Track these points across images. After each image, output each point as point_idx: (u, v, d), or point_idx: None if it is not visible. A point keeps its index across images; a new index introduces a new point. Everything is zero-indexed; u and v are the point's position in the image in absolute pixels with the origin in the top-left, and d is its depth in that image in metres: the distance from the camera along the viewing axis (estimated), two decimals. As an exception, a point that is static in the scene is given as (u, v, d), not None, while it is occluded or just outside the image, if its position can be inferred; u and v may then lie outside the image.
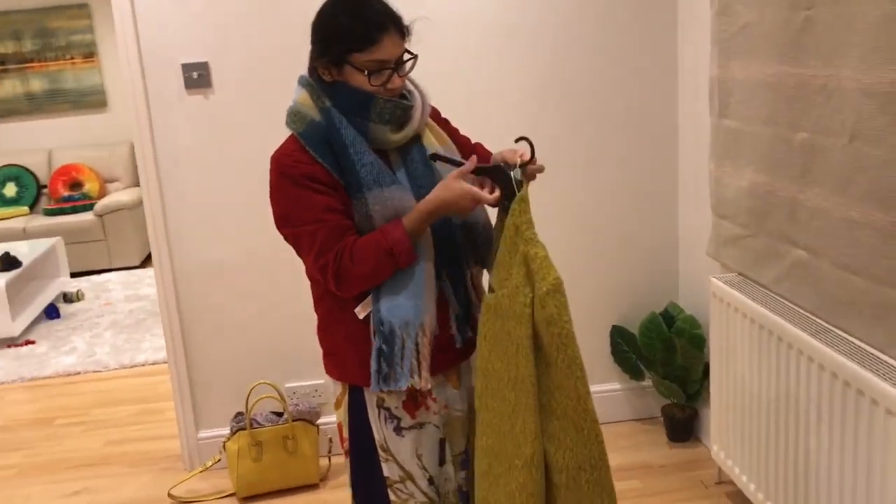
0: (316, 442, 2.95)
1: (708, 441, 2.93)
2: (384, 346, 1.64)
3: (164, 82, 2.85)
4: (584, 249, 3.11)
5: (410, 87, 1.75)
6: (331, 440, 3.05)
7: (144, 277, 5.93)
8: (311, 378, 3.09)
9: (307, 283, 1.91)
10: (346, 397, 1.78)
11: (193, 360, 3.07)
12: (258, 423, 2.92)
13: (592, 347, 3.18)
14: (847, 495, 1.91)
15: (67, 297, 5.52)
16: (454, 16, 2.86)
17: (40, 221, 6.23)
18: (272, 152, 1.72)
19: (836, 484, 1.95)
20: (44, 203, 6.59)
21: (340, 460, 2.90)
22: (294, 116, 1.70)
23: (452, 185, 1.62)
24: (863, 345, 1.94)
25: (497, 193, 1.66)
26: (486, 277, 1.81)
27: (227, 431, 3.03)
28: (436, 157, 1.74)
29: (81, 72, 6.72)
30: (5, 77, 6.69)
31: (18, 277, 4.95)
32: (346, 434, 1.81)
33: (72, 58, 6.69)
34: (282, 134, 1.79)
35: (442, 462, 1.79)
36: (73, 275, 6.05)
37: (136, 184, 6.44)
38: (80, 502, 2.98)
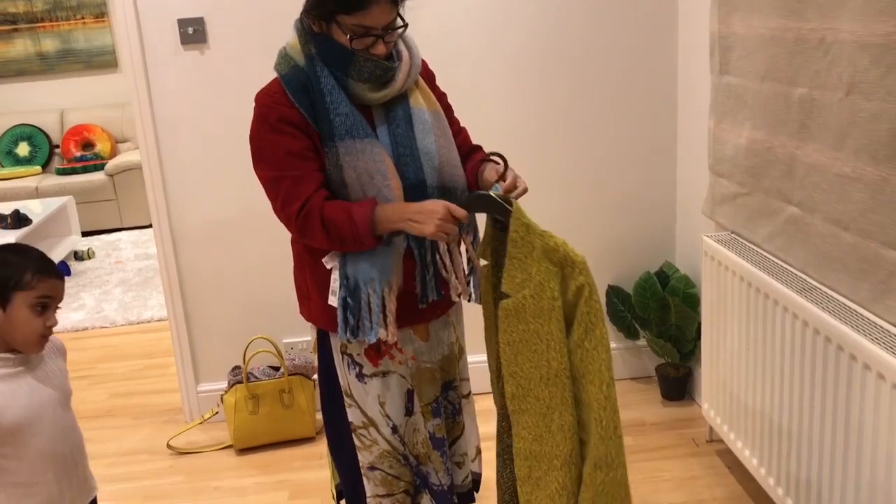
0: (312, 395, 2.99)
1: (700, 400, 2.95)
2: (349, 300, 1.68)
3: (160, 39, 2.85)
4: (580, 209, 3.11)
5: (401, 45, 1.75)
6: (328, 395, 3.09)
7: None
8: (307, 334, 3.12)
9: None
10: (317, 342, 1.81)
11: (192, 316, 3.11)
12: (255, 376, 2.97)
13: (588, 306, 3.19)
14: (827, 452, 1.92)
15: (78, 256, 5.59)
16: (451, -29, 2.84)
17: (53, 181, 6.29)
18: None
19: (818, 442, 1.96)
20: (56, 163, 6.65)
21: (336, 414, 2.95)
22: (281, 59, 1.73)
23: (435, 206, 1.61)
24: (848, 302, 1.93)
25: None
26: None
27: (225, 385, 3.08)
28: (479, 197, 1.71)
29: (92, 32, 6.73)
30: (17, 37, 6.71)
31: (29, 235, 5.01)
32: None
33: (83, 17, 6.70)
34: None
35: (409, 413, 1.82)
36: (85, 234, 6.11)
37: (147, 144, 6.46)
38: (82, 452, 3.05)
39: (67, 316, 4.51)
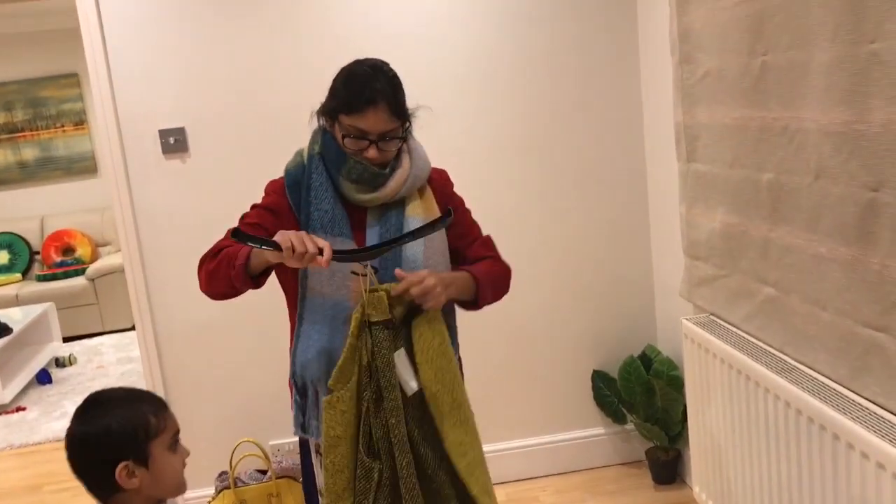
0: (301, 498, 2.94)
1: (691, 482, 2.93)
2: (298, 398, 1.77)
3: (142, 148, 2.91)
4: (561, 297, 3.15)
5: (403, 155, 1.80)
6: (317, 496, 3.05)
7: (136, 340, 5.94)
8: (294, 435, 3.09)
9: (288, 341, 1.96)
10: (299, 443, 1.84)
11: (178, 419, 3.07)
12: (242, 481, 2.92)
13: (575, 393, 3.20)
14: (819, 532, 1.91)
15: (60, 362, 5.54)
16: (424, 75, 2.94)
17: (33, 288, 6.27)
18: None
19: (808, 521, 1.96)
20: (36, 269, 6.65)
21: (325, 516, 2.90)
22: (294, 155, 1.85)
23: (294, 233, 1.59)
24: (827, 380, 1.96)
25: (325, 255, 1.55)
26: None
27: (212, 492, 3.03)
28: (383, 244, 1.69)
29: (72, 139, 6.83)
30: (-3, 147, 6.81)
31: (9, 344, 4.98)
32: None
33: (62, 126, 6.81)
34: (257, 194, 1.91)
35: None
36: (67, 339, 6.07)
37: (128, 247, 6.49)
38: (66, 569, 2.97)
39: (49, 425, 4.44)
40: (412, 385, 1.64)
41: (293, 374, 1.75)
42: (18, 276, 6.54)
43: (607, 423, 3.23)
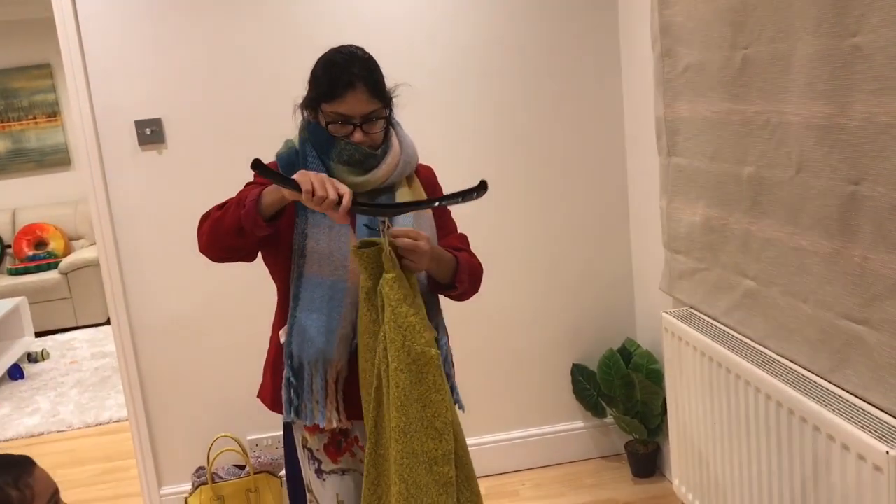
0: (279, 493, 2.92)
1: (671, 475, 2.94)
2: (293, 378, 1.71)
3: (117, 139, 2.87)
4: (540, 290, 3.15)
5: (394, 140, 1.80)
6: (295, 491, 3.03)
7: (110, 334, 5.87)
8: (273, 430, 3.07)
9: (266, 335, 1.94)
10: (283, 434, 1.81)
11: (154, 416, 3.05)
12: (220, 476, 2.90)
13: (554, 387, 3.20)
14: (799, 523, 1.93)
15: (32, 357, 5.46)
16: (402, 67, 2.92)
17: (5, 282, 6.17)
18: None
19: (788, 512, 1.97)
20: (8, 263, 6.54)
21: (304, 511, 2.88)
22: (284, 143, 1.83)
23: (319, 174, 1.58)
24: (806, 373, 1.97)
25: (342, 203, 1.53)
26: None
27: (189, 487, 3.00)
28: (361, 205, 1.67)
29: (45, 131, 6.73)
30: (-32, 139, 6.69)
31: (-20, 339, 4.90)
32: None
33: (34, 117, 6.70)
34: (235, 187, 1.88)
35: None
36: (39, 334, 5.99)
37: (102, 240, 6.41)
38: (39, 566, 2.92)
39: (21, 421, 4.37)
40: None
41: (289, 356, 1.71)
42: (-11, 269, 6.44)
43: (587, 417, 3.23)
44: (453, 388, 1.79)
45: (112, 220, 2.91)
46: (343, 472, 1.77)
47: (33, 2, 6.25)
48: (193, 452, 3.04)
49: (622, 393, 3.00)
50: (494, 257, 3.08)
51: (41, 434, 4.20)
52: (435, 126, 2.99)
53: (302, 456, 1.80)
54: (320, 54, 1.78)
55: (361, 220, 1.74)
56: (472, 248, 1.90)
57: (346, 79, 1.68)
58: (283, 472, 2.99)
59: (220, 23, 2.84)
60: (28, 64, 6.62)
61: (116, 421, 4.23)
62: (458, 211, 2.02)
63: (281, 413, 1.76)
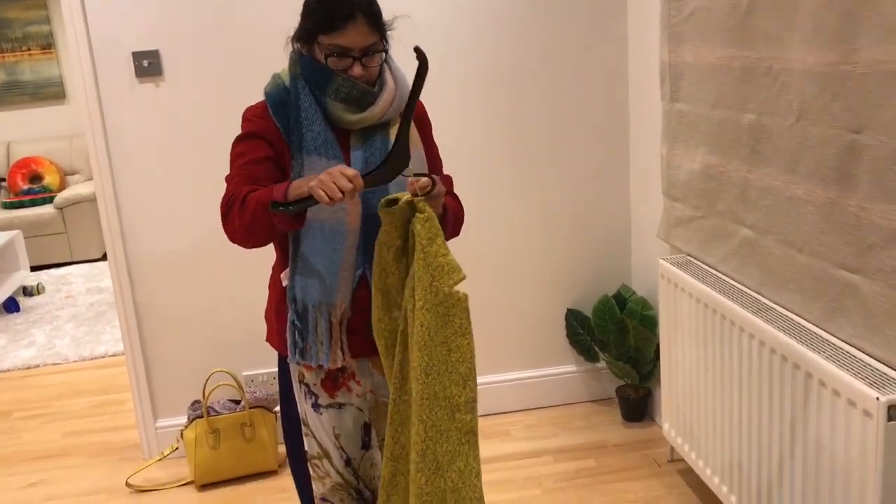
0: (274, 429, 2.96)
1: (661, 420, 2.99)
2: (297, 321, 1.72)
3: (114, 71, 2.83)
4: (538, 235, 3.15)
5: (387, 76, 1.77)
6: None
7: (106, 270, 5.88)
8: (268, 366, 3.10)
9: (263, 270, 1.94)
10: (279, 369, 1.82)
11: (150, 350, 3.07)
12: (215, 410, 2.93)
13: (548, 331, 3.22)
14: (787, 467, 1.96)
15: (27, 291, 5.47)
16: (401, 12, 2.87)
17: (-1, 215, 6.16)
18: (224, 139, 1.76)
19: (777, 458, 2.01)
20: (2, 196, 6.51)
21: (298, 446, 2.92)
22: (270, 80, 1.79)
23: (333, 168, 1.56)
24: (801, 321, 1.99)
25: (355, 188, 1.53)
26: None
27: (184, 420, 3.04)
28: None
29: (39, 63, 6.63)
30: (-39, 69, 6.59)
31: (-24, 271, 4.90)
32: None
33: (28, 49, 6.60)
34: (233, 120, 1.85)
35: (366, 446, 1.81)
36: (34, 268, 5.98)
37: (97, 176, 6.37)
38: (37, 494, 2.97)
39: (18, 353, 4.40)
40: None
41: (292, 300, 1.71)
42: (-16, 202, 6.41)
43: (579, 361, 3.26)
44: None
45: (109, 153, 2.89)
46: (340, 405, 1.78)
47: (27, -71, 6.11)
48: (189, 387, 3.07)
49: (615, 338, 3.03)
50: (492, 201, 3.07)
51: (37, 366, 4.23)
52: (434, 67, 2.95)
53: (298, 391, 1.82)
54: None
55: (356, 157, 1.72)
56: (472, 193, 1.89)
57: (347, 10, 1.63)
58: (278, 408, 3.02)
59: (219, -47, 2.78)
60: (22, -7, 6.50)
61: (112, 355, 4.26)
62: (461, 154, 1.99)
63: (283, 354, 1.78)
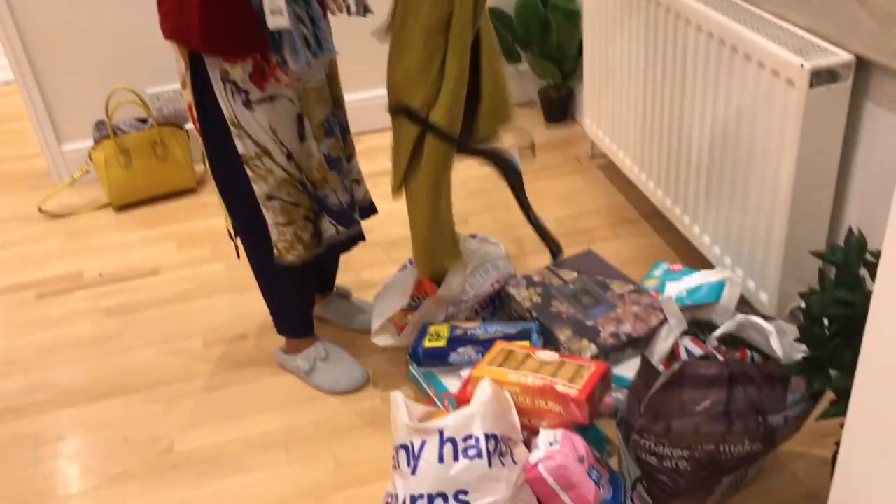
0: (187, 146, 2.85)
1: (581, 119, 2.97)
2: None
3: None
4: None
5: None
6: (204, 145, 2.96)
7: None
8: (172, 82, 2.91)
9: None
10: (189, 73, 1.66)
11: (42, 72, 2.83)
12: (122, 130, 2.79)
13: (468, 32, 3.08)
14: (706, 147, 1.97)
15: None
16: None
17: None
18: None
19: (696, 138, 2.01)
20: None
21: (216, 163, 2.83)
22: None
23: None
24: (730, -3, 1.91)
25: None
26: None
27: (91, 143, 2.89)
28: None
29: None
30: None
31: None
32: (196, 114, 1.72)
33: None
34: None
35: (302, 138, 1.73)
36: None
37: None
38: (-54, 226, 2.87)
39: None
40: None
41: None
42: None
43: (501, 64, 3.16)
44: None
45: None
46: (271, 98, 1.66)
47: None
48: (91, 108, 2.89)
49: (538, 36, 2.91)
50: None
51: (-76, 100, 3.93)
52: None
53: (222, 91, 1.66)
54: None
55: None
56: None
57: None
58: (188, 125, 2.90)
59: None
60: None
61: (4, 84, 3.97)
62: None
63: (212, 53, 1.59)
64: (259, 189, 1.75)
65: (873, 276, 1.29)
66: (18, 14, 2.72)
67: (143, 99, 2.80)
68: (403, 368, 1.99)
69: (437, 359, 1.85)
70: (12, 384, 2.08)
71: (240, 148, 1.70)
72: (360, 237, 1.93)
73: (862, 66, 1.60)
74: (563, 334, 1.81)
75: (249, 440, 1.84)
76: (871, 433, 0.89)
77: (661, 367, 1.50)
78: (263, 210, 1.77)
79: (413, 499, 1.40)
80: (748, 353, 1.55)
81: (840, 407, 1.28)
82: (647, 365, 1.47)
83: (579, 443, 1.45)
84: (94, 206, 2.86)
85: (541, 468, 1.39)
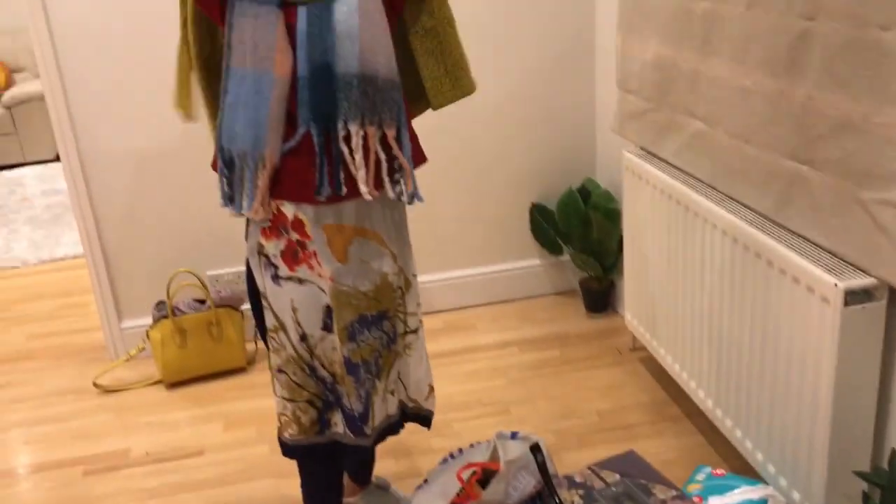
0: (241, 327, 2.96)
1: (623, 310, 3.04)
2: (225, 170, 1.70)
3: (54, -42, 2.68)
4: (503, 129, 3.11)
5: None
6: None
7: (61, 171, 5.73)
8: (234, 265, 3.08)
9: None
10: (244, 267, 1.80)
11: (110, 251, 3.02)
12: (181, 311, 2.92)
13: (513, 225, 3.23)
14: (746, 353, 2.01)
15: (-20, 194, 5.33)
16: None
17: (-56, 116, 5.93)
18: (175, 23, 1.69)
19: (736, 344, 2.06)
20: (-54, 96, 6.25)
21: (266, 344, 2.93)
22: None
23: None
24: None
25: None
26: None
27: (150, 321, 3.03)
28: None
29: (-26, -47, 6.26)
30: None
31: (-76, 174, 4.75)
32: None
33: (-38, -63, 6.22)
34: None
35: (328, 328, 1.78)
36: (-15, 171, 5.83)
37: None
38: (3, 396, 2.96)
39: (-26, 257, 4.32)
40: None
41: (220, 149, 1.70)
42: (-73, 103, 6.15)
43: (543, 255, 3.28)
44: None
45: (54, 47, 2.76)
46: (300, 280, 1.76)
47: None
48: (152, 287, 3.04)
49: (579, 231, 3.04)
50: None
51: (-5, 270, 4.16)
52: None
53: (257, 264, 1.77)
54: None
55: (301, 13, 1.63)
56: None
57: None
58: (245, 306, 3.02)
59: None
60: None
61: (73, 257, 4.20)
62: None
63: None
64: (273, 360, 1.82)
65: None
66: (95, 193, 2.93)
67: (203, 282, 2.94)
68: (442, 567, 1.96)
69: (478, 561, 1.83)
70: (53, 566, 2.09)
71: (265, 318, 1.79)
72: (367, 452, 1.94)
73: None
74: (605, 540, 1.79)
75: None
76: None
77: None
78: (273, 381, 1.84)
79: None
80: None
81: None
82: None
83: None
84: (146, 381, 2.95)
85: None
